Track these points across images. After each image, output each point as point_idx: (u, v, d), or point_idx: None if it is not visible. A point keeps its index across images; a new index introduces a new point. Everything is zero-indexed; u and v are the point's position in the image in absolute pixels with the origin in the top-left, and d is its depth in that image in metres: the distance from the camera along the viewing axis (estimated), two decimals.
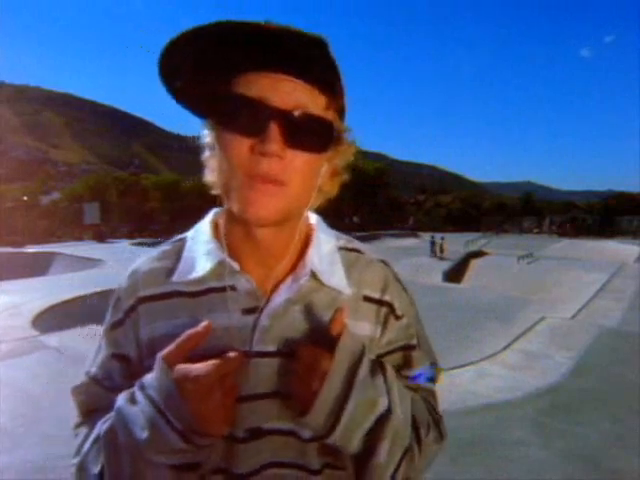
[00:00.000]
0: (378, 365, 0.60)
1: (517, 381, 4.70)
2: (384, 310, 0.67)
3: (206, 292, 0.62)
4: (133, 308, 0.64)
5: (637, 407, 4.00)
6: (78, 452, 0.64)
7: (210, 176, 0.62)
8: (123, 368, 0.65)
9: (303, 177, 0.56)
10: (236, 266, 0.61)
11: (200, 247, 0.65)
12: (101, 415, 0.62)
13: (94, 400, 0.67)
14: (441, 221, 48.44)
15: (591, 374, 4.90)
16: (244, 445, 0.58)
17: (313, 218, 0.70)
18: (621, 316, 7.70)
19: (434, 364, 0.73)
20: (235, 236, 0.63)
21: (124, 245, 20.56)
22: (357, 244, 0.73)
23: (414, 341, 0.71)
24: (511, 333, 6.56)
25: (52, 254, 15.87)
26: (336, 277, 0.65)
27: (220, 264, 0.62)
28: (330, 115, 0.57)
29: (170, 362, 0.53)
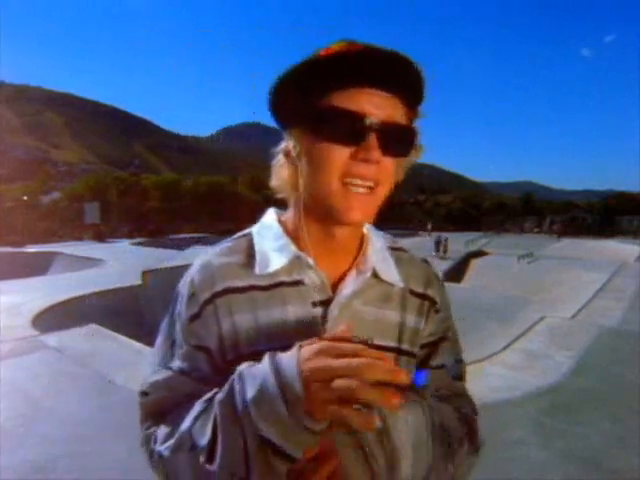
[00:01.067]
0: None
1: (517, 381, 4.70)
2: (427, 304, 0.75)
3: (278, 285, 0.67)
4: (210, 301, 0.67)
5: (637, 407, 4.00)
6: (169, 436, 0.62)
7: (278, 181, 0.69)
8: (208, 360, 0.67)
9: (390, 181, 0.64)
10: (311, 261, 0.67)
11: (271, 242, 0.69)
12: (192, 405, 0.61)
13: (182, 393, 0.66)
14: (441, 221, 48.42)
15: (591, 374, 4.90)
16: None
17: None
18: (621, 316, 7.69)
19: (459, 360, 0.80)
20: (307, 234, 0.68)
21: (124, 245, 20.57)
22: (400, 244, 0.81)
23: (448, 333, 0.79)
24: (511, 333, 6.56)
25: (52, 254, 15.87)
26: (390, 272, 0.72)
27: (295, 259, 0.67)
28: (410, 122, 0.64)
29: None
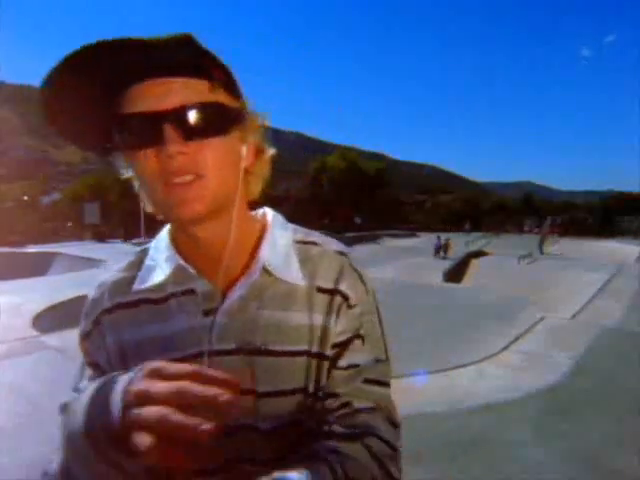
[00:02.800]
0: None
1: (517, 381, 4.69)
2: (337, 299, 0.67)
3: (168, 298, 0.65)
4: (98, 320, 0.68)
5: (637, 407, 4.00)
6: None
7: (147, 206, 0.64)
8: (96, 375, 0.66)
9: (217, 163, 0.57)
10: (192, 270, 0.65)
11: (160, 255, 0.69)
12: None
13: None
14: (441, 221, 48.43)
15: (591, 374, 4.89)
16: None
17: (269, 215, 0.74)
18: (621, 316, 7.69)
19: (380, 360, 0.70)
20: (182, 241, 0.66)
21: (124, 245, 20.55)
22: (315, 237, 0.74)
23: (363, 330, 0.69)
24: (511, 333, 6.56)
25: (52, 254, 15.86)
26: (291, 270, 0.67)
27: (178, 269, 0.65)
28: (220, 97, 0.57)
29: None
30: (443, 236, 21.94)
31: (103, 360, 0.67)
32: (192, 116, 0.54)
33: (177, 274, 0.65)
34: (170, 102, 0.54)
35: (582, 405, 4.12)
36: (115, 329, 0.67)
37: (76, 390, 0.68)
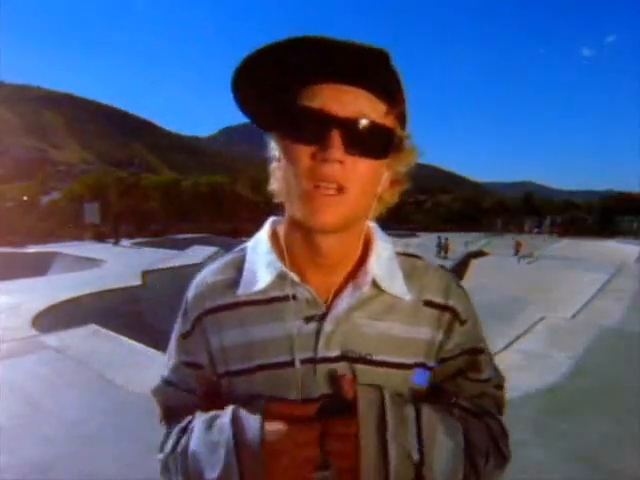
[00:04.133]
0: (409, 407, 0.62)
1: (517, 381, 4.69)
2: (447, 315, 0.70)
3: (269, 301, 0.66)
4: (200, 319, 0.69)
5: (637, 407, 4.00)
6: (161, 449, 0.73)
7: (275, 185, 0.66)
8: (196, 374, 0.72)
9: (363, 183, 0.58)
10: (296, 278, 0.65)
11: (260, 258, 0.68)
12: (180, 414, 0.73)
13: (171, 400, 0.76)
14: (441, 221, 48.42)
15: (591, 374, 4.89)
16: None
17: (371, 225, 0.73)
18: (621, 316, 7.69)
19: (496, 368, 0.80)
20: (295, 244, 0.66)
21: (124, 245, 20.54)
22: (415, 250, 0.77)
23: (482, 345, 0.75)
24: (511, 333, 6.56)
25: (52, 254, 15.85)
26: (396, 283, 0.67)
27: (281, 275, 0.65)
28: (390, 122, 0.59)
29: (270, 414, 0.59)
30: (443, 236, 21.93)
31: (204, 360, 0.69)
32: (363, 131, 0.56)
33: (280, 280, 0.65)
34: (347, 110, 0.55)
35: (582, 405, 4.12)
36: (218, 330, 0.68)
37: (167, 380, 0.75)
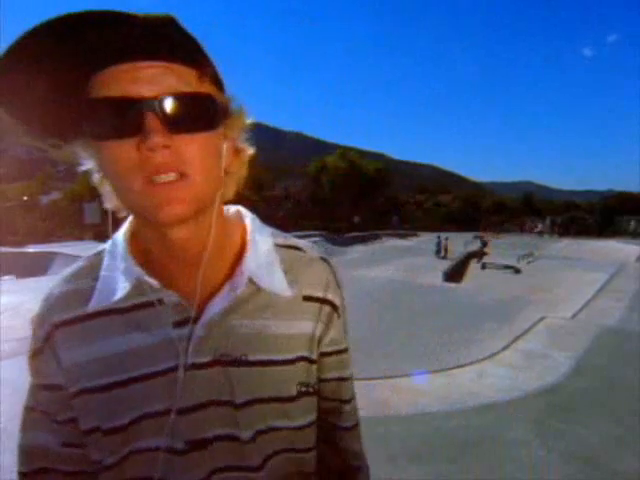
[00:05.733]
0: None
1: (517, 381, 4.69)
2: (327, 308, 0.68)
3: (129, 310, 0.60)
4: (49, 335, 0.60)
5: (637, 407, 4.00)
6: None
7: (110, 201, 0.58)
8: (53, 396, 0.62)
9: (202, 161, 0.51)
10: (155, 283, 0.58)
11: (118, 264, 0.61)
12: (38, 457, 0.66)
13: (31, 434, 0.68)
14: (440, 221, 48.44)
15: (591, 374, 4.89)
16: (185, 457, 0.59)
17: (247, 218, 0.68)
18: (621, 316, 7.69)
19: (351, 373, 0.77)
20: (152, 246, 0.59)
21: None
22: (296, 241, 0.71)
23: (346, 344, 0.74)
24: (511, 333, 6.56)
25: (52, 254, 15.86)
26: (275, 280, 0.63)
27: (140, 282, 0.59)
28: (205, 88, 0.52)
29: None
30: (443, 236, 21.94)
31: (61, 380, 0.60)
32: (179, 106, 0.48)
33: (139, 287, 0.59)
34: (153, 88, 0.48)
35: (582, 405, 4.12)
36: (71, 345, 0.59)
37: (30, 410, 0.66)
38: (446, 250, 19.96)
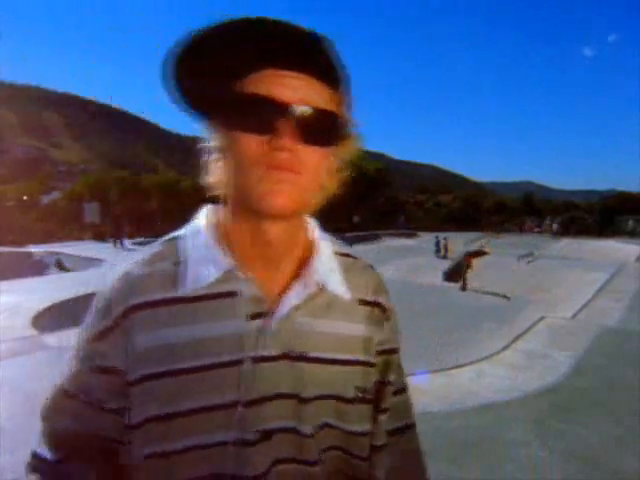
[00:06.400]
0: None
1: (517, 381, 4.69)
2: (377, 311, 0.72)
3: (209, 298, 0.61)
4: (124, 316, 0.60)
5: (637, 407, 4.00)
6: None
7: (212, 177, 0.62)
8: (106, 381, 0.61)
9: (314, 170, 0.57)
10: (242, 275, 0.61)
11: (201, 251, 0.63)
12: (71, 441, 0.63)
13: (65, 419, 0.64)
14: (441, 221, 48.45)
15: (591, 374, 4.89)
16: (255, 447, 0.60)
17: (311, 222, 0.72)
18: (621, 316, 7.70)
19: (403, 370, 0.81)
20: (240, 237, 0.62)
21: (124, 245, 20.54)
22: (348, 249, 0.77)
23: (399, 344, 0.78)
24: (511, 333, 6.56)
25: (52, 254, 15.87)
26: (336, 282, 0.67)
27: (226, 272, 0.61)
28: (335, 108, 0.58)
29: None
30: (442, 236, 21.92)
31: (121, 363, 0.60)
32: (311, 118, 0.55)
33: (224, 276, 0.61)
34: (295, 97, 0.54)
35: (582, 405, 4.12)
36: (148, 328, 0.59)
37: (68, 392, 0.63)
38: (446, 250, 19.95)
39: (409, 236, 31.84)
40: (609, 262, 15.11)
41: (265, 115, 0.54)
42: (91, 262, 13.34)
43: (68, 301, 7.51)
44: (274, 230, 0.60)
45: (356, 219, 40.48)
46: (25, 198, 41.63)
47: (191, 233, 0.66)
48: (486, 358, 5.44)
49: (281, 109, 0.54)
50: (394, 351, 0.76)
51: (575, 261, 16.08)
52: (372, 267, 0.77)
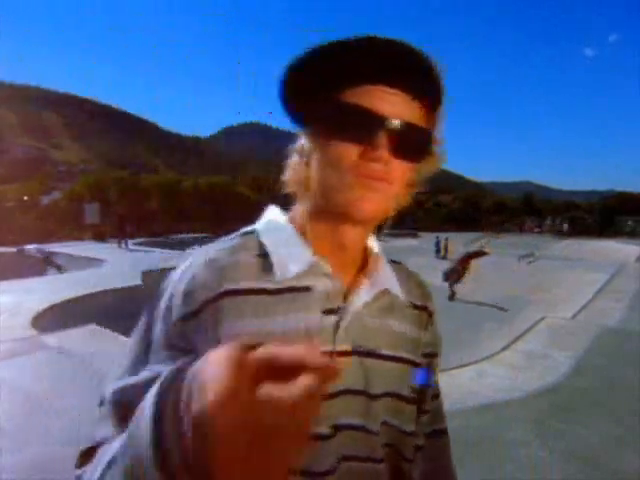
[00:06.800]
0: None
1: (517, 381, 4.69)
2: (424, 316, 0.76)
3: (291, 290, 0.62)
4: (214, 300, 0.59)
5: (637, 407, 4.00)
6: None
7: (291, 176, 0.67)
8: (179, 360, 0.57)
9: (400, 182, 0.61)
10: (328, 269, 0.64)
11: (286, 246, 0.65)
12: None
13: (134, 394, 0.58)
14: (441, 221, 48.45)
15: (591, 374, 4.90)
16: (325, 442, 0.60)
17: None
18: (621, 316, 7.70)
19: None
20: (317, 236, 0.65)
21: (128, 245, 20.54)
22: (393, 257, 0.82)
23: (440, 349, 0.82)
24: (511, 333, 6.56)
25: (52, 254, 15.86)
26: (396, 285, 0.72)
27: (309, 267, 0.63)
28: (428, 125, 0.62)
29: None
30: (442, 236, 21.90)
31: (202, 347, 0.56)
32: (408, 134, 0.58)
33: (307, 270, 0.63)
34: (394, 112, 0.57)
35: (582, 405, 4.12)
36: (231, 317, 0.59)
37: (134, 375, 0.58)
38: (446, 250, 19.94)
39: (413, 236, 31.83)
40: (609, 262, 15.11)
41: (364, 127, 0.57)
42: (91, 262, 13.34)
43: (68, 301, 7.51)
44: (351, 234, 0.64)
45: None
46: (25, 198, 41.64)
47: (272, 228, 0.68)
48: (486, 358, 5.44)
49: (380, 122, 0.57)
50: (436, 355, 0.80)
51: (575, 261, 16.08)
52: (417, 274, 0.81)
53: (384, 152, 0.57)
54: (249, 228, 0.69)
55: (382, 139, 0.57)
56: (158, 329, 0.60)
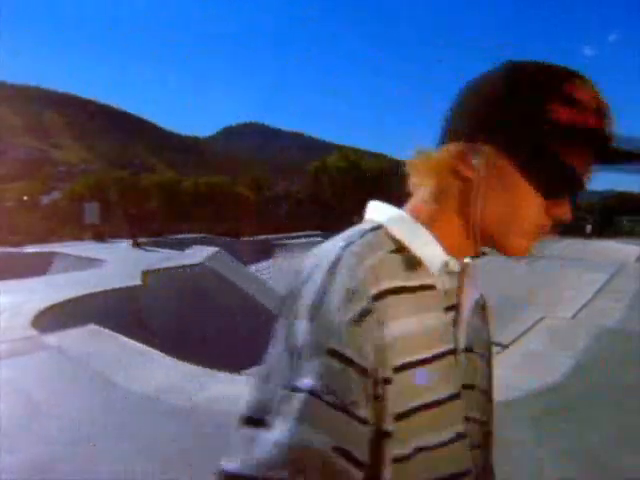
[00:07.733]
0: None
1: (517, 381, 4.69)
2: (485, 313, 0.81)
3: (428, 288, 0.62)
4: (378, 299, 0.54)
5: (637, 407, 4.00)
6: None
7: (421, 180, 0.68)
8: (360, 378, 0.50)
9: None
10: (458, 267, 0.66)
11: (425, 244, 0.63)
12: None
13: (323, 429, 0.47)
14: None
15: (591, 374, 4.89)
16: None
17: None
18: (621, 316, 7.69)
19: None
20: (451, 241, 0.65)
21: (124, 245, 20.55)
22: None
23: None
24: (511, 333, 6.56)
25: (52, 254, 15.86)
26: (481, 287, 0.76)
27: (445, 264, 0.64)
28: None
29: None
30: None
31: (371, 359, 0.52)
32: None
33: (442, 269, 0.64)
34: (587, 184, 0.62)
35: (582, 405, 4.12)
36: (398, 315, 0.56)
37: (295, 391, 0.48)
38: None
39: None
40: (609, 262, 15.11)
41: (571, 190, 0.60)
42: (91, 262, 13.34)
43: (68, 301, 7.51)
44: (475, 252, 0.69)
45: (357, 219, 40.42)
46: (25, 198, 41.65)
47: (405, 226, 0.64)
48: None
49: (580, 190, 0.61)
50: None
51: (575, 261, 16.08)
52: None
53: (569, 214, 0.61)
54: (368, 224, 0.65)
55: (569, 203, 0.61)
56: (311, 335, 0.51)
